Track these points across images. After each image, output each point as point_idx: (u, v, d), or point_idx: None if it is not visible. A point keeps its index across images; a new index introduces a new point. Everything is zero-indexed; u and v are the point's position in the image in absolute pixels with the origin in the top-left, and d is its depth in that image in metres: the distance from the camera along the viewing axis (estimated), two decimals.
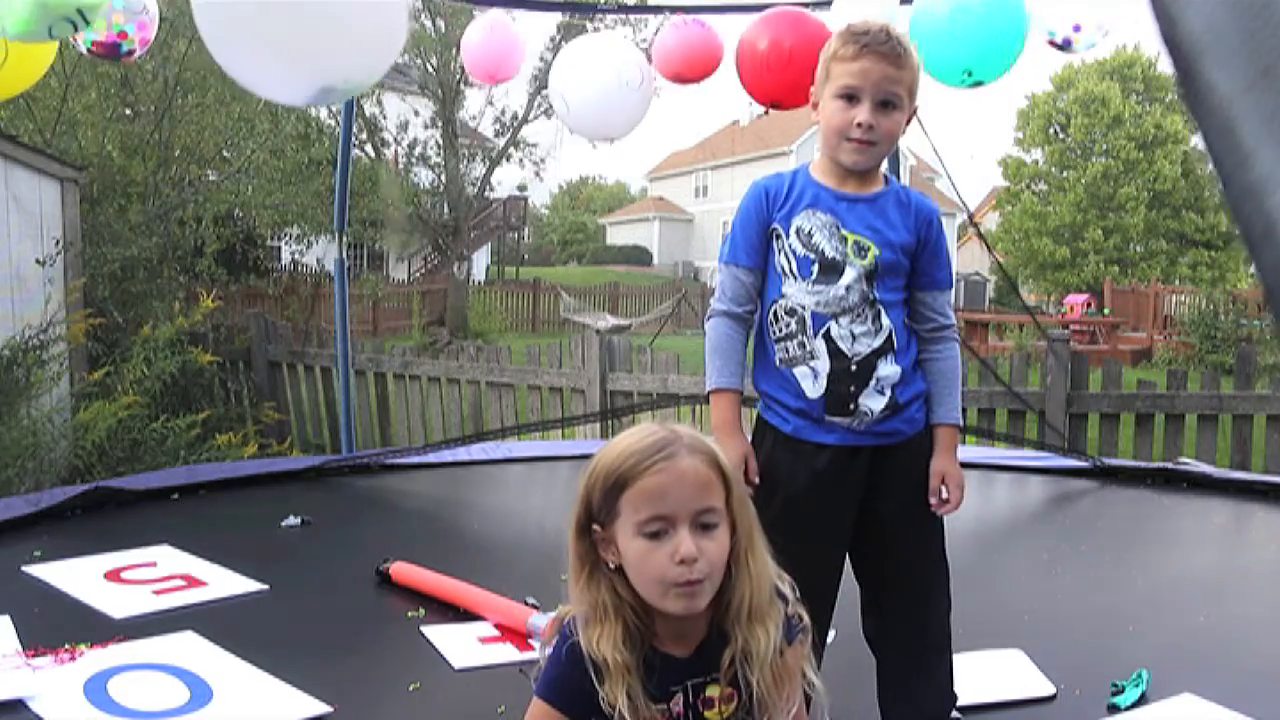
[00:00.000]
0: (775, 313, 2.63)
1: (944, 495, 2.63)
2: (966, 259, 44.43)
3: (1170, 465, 6.59)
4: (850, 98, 2.54)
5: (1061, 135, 36.03)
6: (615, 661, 1.66)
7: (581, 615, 1.72)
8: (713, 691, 1.74)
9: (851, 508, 2.64)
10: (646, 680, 1.70)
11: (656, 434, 1.68)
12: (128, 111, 11.83)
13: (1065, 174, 35.43)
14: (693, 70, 5.97)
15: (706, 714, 1.74)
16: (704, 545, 1.64)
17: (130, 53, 5.12)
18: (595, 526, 1.71)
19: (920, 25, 5.12)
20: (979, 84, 5.18)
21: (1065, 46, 5.46)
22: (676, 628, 1.73)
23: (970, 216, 9.61)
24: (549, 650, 1.80)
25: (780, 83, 5.08)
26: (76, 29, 4.05)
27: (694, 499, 1.64)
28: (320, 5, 3.78)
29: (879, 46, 2.53)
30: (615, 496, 1.65)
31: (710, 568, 1.65)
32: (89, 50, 5.04)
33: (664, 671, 1.72)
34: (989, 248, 9.45)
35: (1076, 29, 5.37)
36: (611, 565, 1.70)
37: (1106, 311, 24.69)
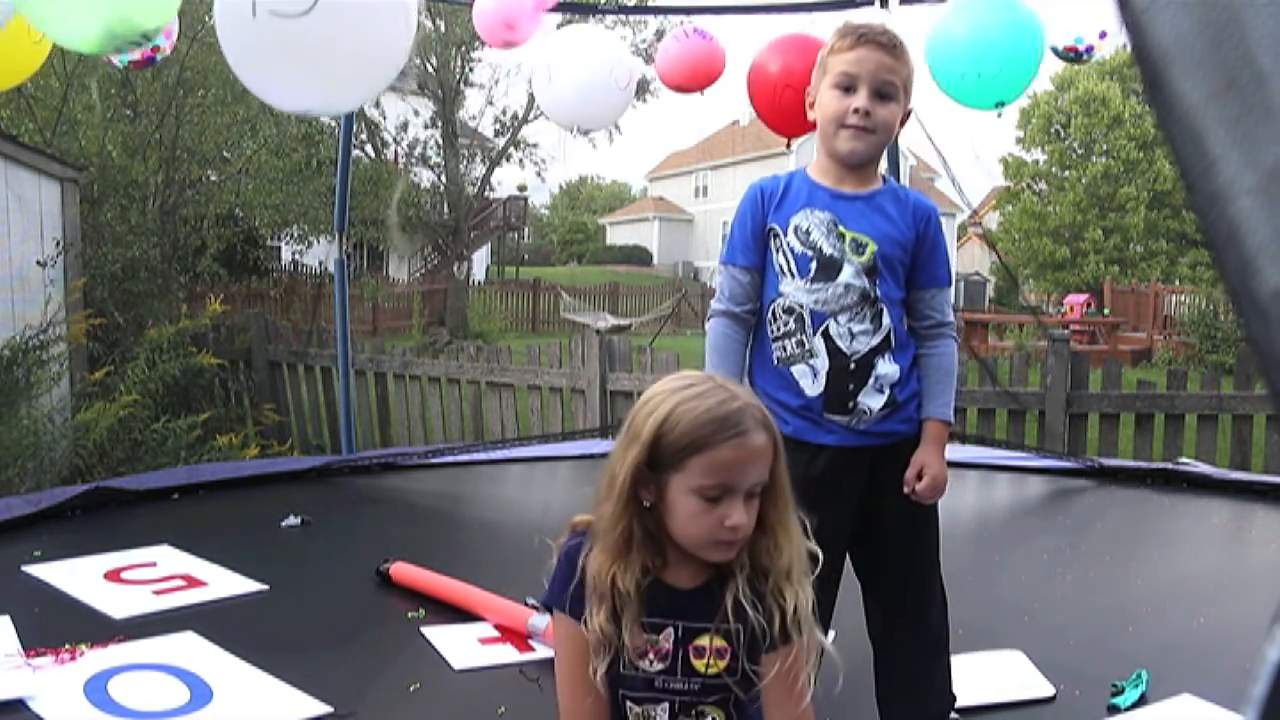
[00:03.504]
0: (774, 312, 2.64)
1: (917, 486, 2.62)
2: (966, 259, 44.42)
3: (1170, 465, 6.60)
4: (847, 88, 2.57)
5: (1062, 135, 36.01)
6: (625, 590, 1.72)
7: (603, 541, 1.76)
8: (703, 640, 1.76)
9: (851, 509, 2.65)
10: (642, 611, 1.75)
11: (728, 403, 1.71)
12: (128, 112, 11.84)
13: (1065, 174, 35.41)
14: (695, 81, 6.01)
15: (694, 662, 1.77)
16: (748, 510, 1.71)
17: (155, 59, 5.33)
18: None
19: (937, 58, 5.19)
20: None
21: (1087, 54, 5.47)
22: (686, 559, 1.78)
23: (973, 215, 9.64)
24: (557, 559, 1.87)
25: (790, 109, 5.11)
26: (140, 48, 4.36)
27: (756, 474, 1.71)
28: (328, 29, 3.98)
29: (876, 37, 2.58)
30: (684, 456, 1.69)
31: (749, 530, 1.73)
32: (126, 67, 5.25)
33: (661, 603, 1.76)
34: (993, 248, 9.47)
35: (1103, 35, 5.39)
36: (646, 504, 1.74)
37: (1106, 311, 24.67)
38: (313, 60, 4.11)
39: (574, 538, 1.84)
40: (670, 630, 1.76)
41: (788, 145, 5.72)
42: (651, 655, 1.76)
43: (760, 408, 1.76)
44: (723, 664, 1.77)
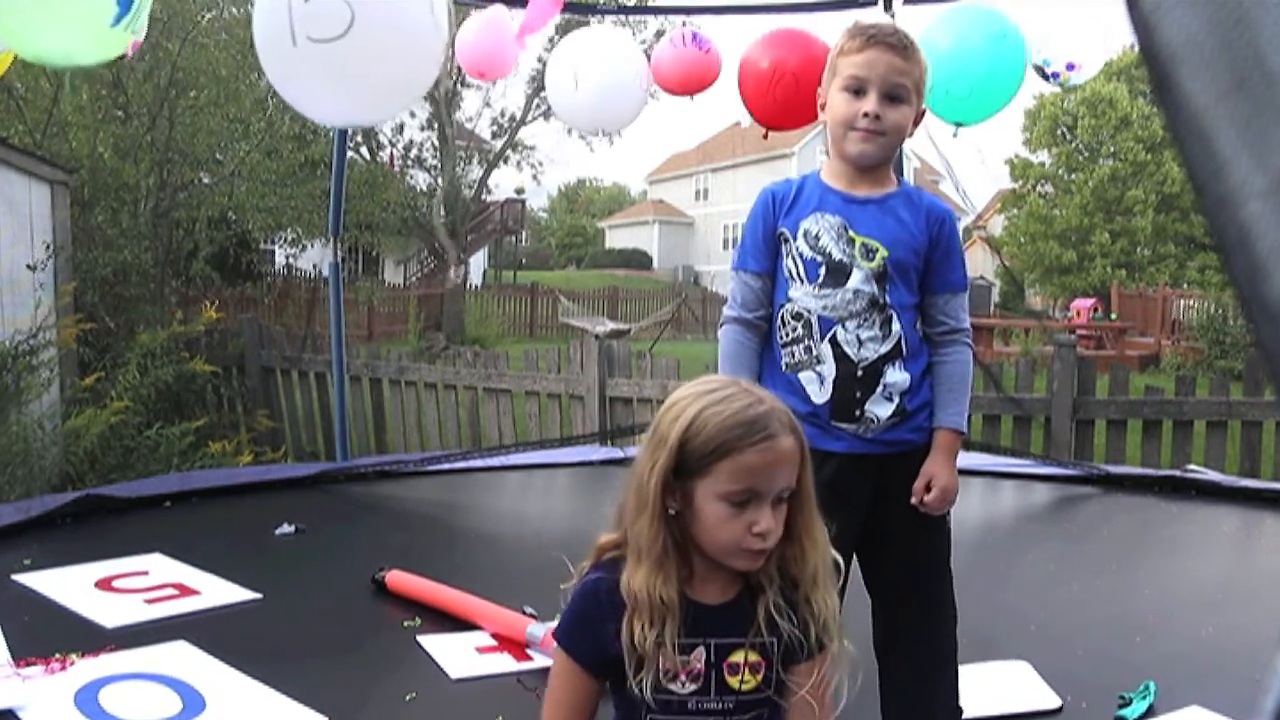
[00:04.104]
0: (782, 317, 2.64)
1: (925, 497, 2.60)
2: (971, 263, 44.27)
3: (1178, 473, 6.60)
4: (857, 91, 2.56)
5: (1069, 137, 35.98)
6: (664, 600, 1.70)
7: (646, 556, 1.74)
8: (737, 656, 1.75)
9: (858, 518, 2.63)
10: (681, 627, 1.73)
11: (754, 406, 1.72)
12: (119, 113, 11.84)
13: (1072, 176, 35.38)
14: (684, 88, 6.05)
15: (729, 679, 1.75)
16: (776, 516, 1.72)
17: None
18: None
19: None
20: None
21: (1053, 79, 5.58)
22: (713, 574, 1.77)
23: (977, 218, 9.65)
24: (574, 593, 1.83)
25: (783, 101, 5.14)
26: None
27: (783, 478, 1.72)
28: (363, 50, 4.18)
29: (886, 38, 2.56)
30: (711, 461, 1.69)
31: (778, 537, 1.72)
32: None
33: (691, 620, 1.74)
34: (997, 252, 9.48)
35: (1070, 67, 5.48)
36: (671, 511, 1.74)
37: (1114, 316, 24.66)
38: (350, 78, 4.27)
39: (594, 571, 1.81)
40: (701, 649, 1.75)
41: (765, 136, 5.74)
42: (683, 677, 1.74)
43: (786, 411, 1.77)
44: (758, 678, 1.76)
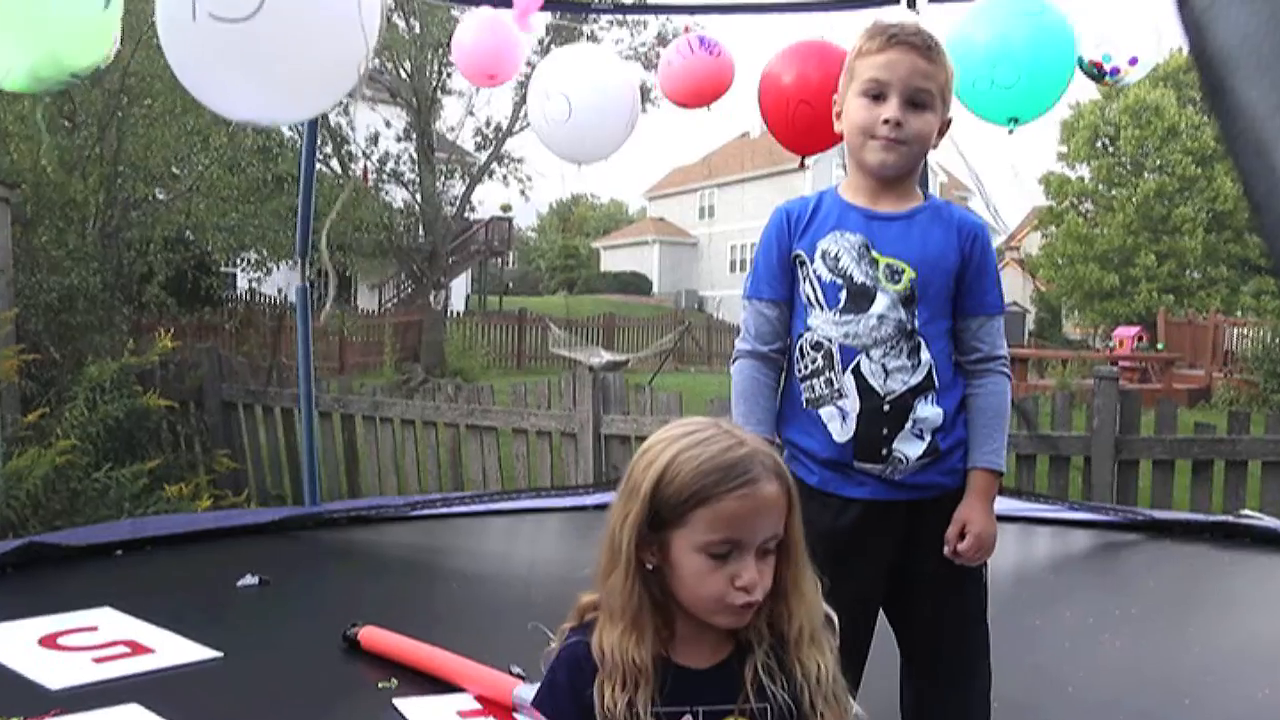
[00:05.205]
0: (801, 348, 2.62)
1: (959, 546, 2.57)
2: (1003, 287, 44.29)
3: (1231, 518, 6.59)
4: (877, 95, 2.55)
5: (1110, 149, 35.98)
6: (636, 663, 1.72)
7: (619, 616, 1.75)
8: None
9: (881, 569, 2.63)
10: (657, 694, 1.73)
11: (734, 450, 1.73)
12: (65, 123, 11.85)
13: (1114, 192, 35.36)
14: (698, 99, 6.07)
15: None
16: (763, 569, 1.72)
17: None
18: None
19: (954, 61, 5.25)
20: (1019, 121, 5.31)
21: (1112, 75, 5.55)
22: (699, 634, 1.79)
23: (1010, 239, 9.66)
24: (555, 659, 1.87)
25: (812, 123, 5.15)
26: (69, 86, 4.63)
27: (768, 528, 1.73)
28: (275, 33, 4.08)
29: (909, 38, 2.55)
30: (687, 509, 1.70)
31: (765, 590, 1.73)
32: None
33: (676, 686, 1.75)
34: (1032, 276, 9.48)
35: (1133, 61, 5.46)
36: (649, 566, 1.75)
37: (1160, 346, 24.64)
38: (260, 67, 4.18)
39: (573, 635, 1.83)
40: (688, 718, 1.75)
41: (801, 165, 5.72)
42: None
43: (771, 454, 1.77)
44: None
